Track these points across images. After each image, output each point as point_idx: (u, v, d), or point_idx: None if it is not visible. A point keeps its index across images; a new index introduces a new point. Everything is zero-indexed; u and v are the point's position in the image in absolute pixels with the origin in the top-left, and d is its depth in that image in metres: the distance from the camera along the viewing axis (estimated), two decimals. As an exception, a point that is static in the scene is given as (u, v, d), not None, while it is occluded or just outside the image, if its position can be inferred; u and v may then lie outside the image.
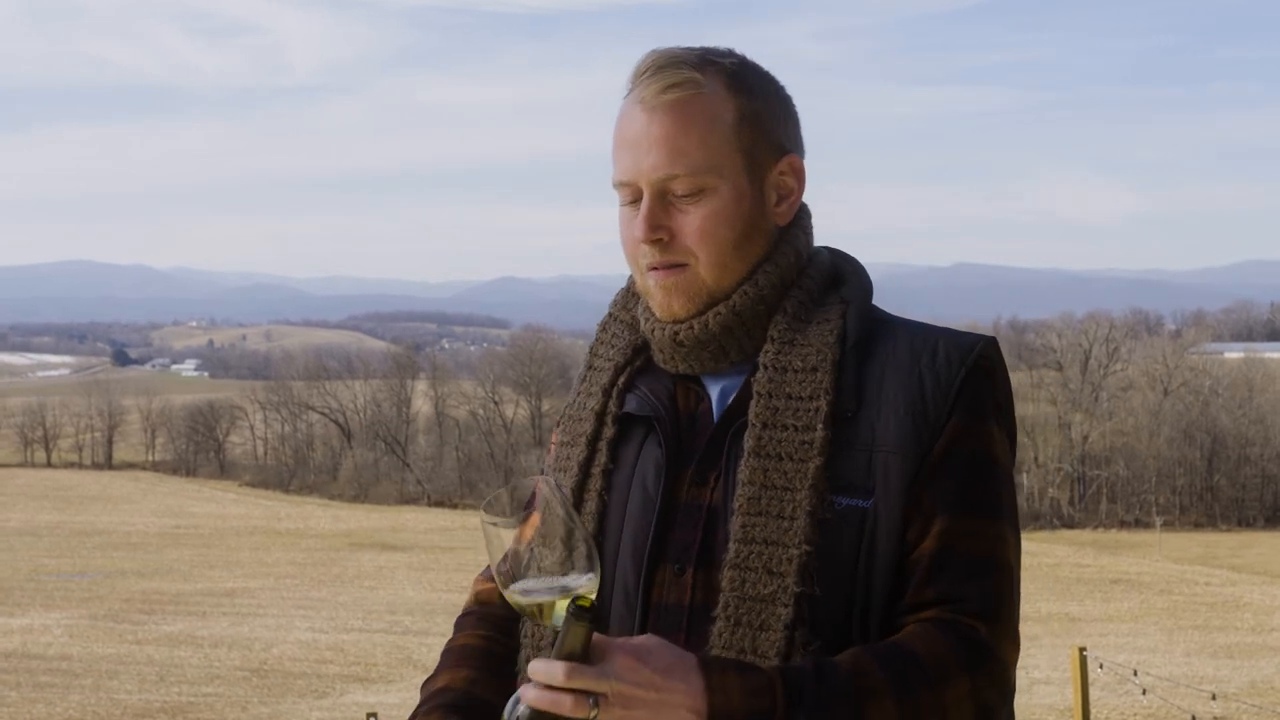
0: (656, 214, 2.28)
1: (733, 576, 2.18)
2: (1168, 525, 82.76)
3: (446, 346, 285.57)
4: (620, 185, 2.32)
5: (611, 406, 2.41)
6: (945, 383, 2.24)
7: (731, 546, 2.19)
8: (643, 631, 2.22)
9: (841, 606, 2.17)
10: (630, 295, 2.50)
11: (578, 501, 2.36)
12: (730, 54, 2.34)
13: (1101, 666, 16.86)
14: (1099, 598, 49.05)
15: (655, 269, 2.31)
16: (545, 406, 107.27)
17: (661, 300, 2.32)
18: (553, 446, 2.57)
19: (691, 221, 2.27)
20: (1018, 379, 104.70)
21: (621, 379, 2.43)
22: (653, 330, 2.37)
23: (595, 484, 2.36)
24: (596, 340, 2.54)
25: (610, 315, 2.54)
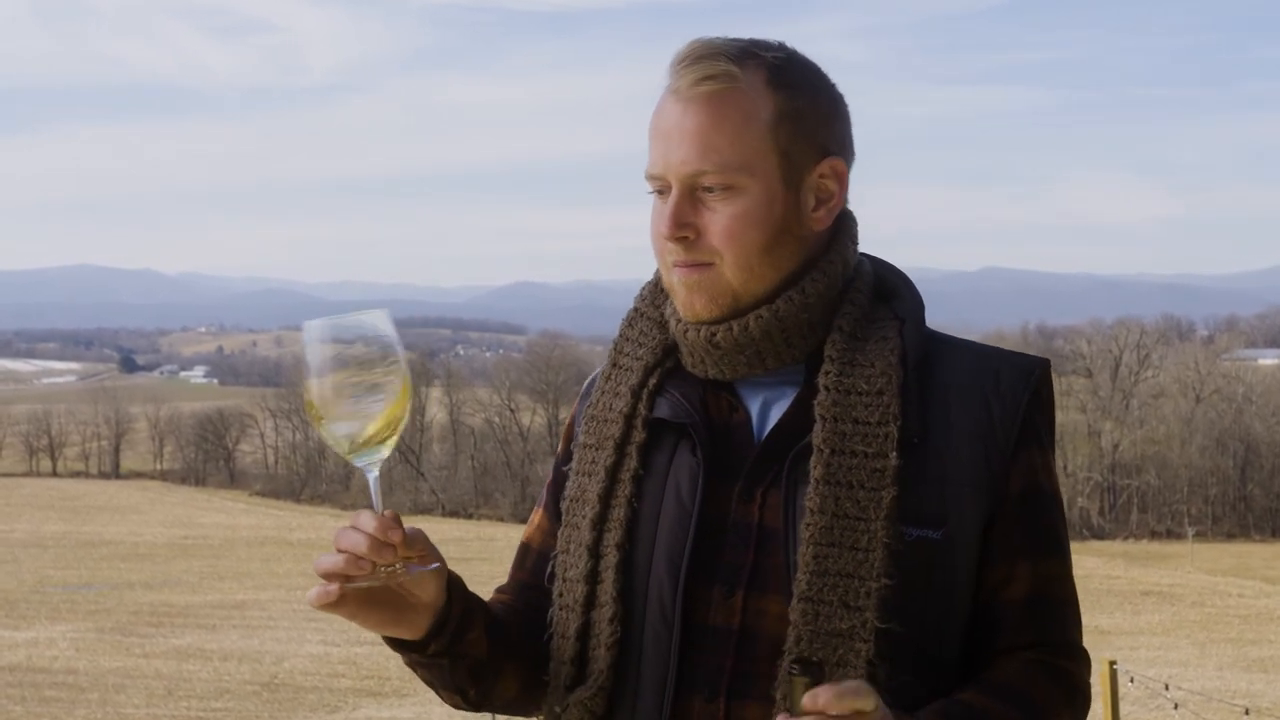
0: (683, 210, 2.23)
1: (805, 609, 2.14)
2: (1200, 536, 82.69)
3: (461, 353, 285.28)
4: (650, 177, 2.27)
5: (641, 410, 2.35)
6: (1011, 410, 2.26)
7: (803, 578, 2.15)
8: (684, 651, 2.21)
9: (916, 640, 2.17)
10: (659, 291, 2.44)
11: (605, 508, 2.32)
12: (777, 47, 2.28)
13: (1132, 680, 16.80)
14: (1129, 610, 49.01)
15: (680, 265, 2.26)
16: (562, 414, 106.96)
17: (684, 298, 2.28)
18: (564, 438, 2.55)
19: (719, 220, 2.22)
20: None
21: (652, 380, 2.37)
22: (685, 332, 2.32)
23: (624, 490, 2.31)
24: (621, 336, 2.47)
25: (636, 310, 2.47)
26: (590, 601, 2.30)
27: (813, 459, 2.19)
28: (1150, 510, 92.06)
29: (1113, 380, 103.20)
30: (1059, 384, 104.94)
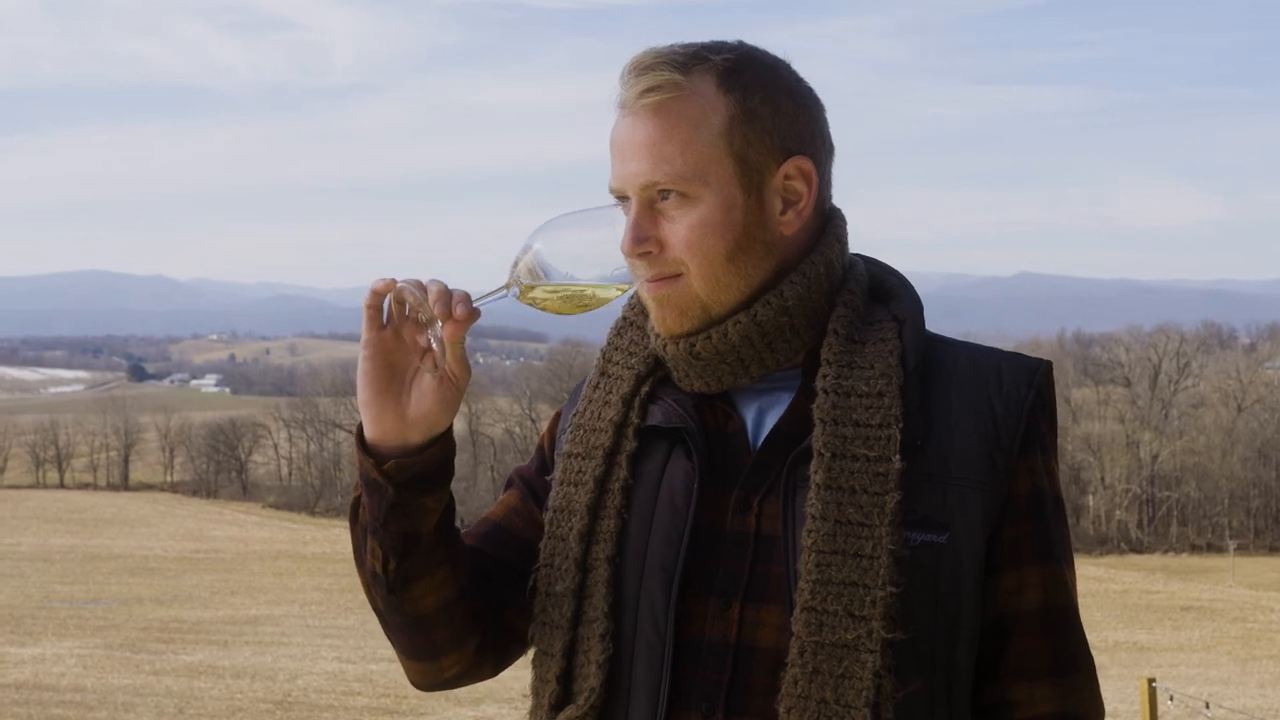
0: (642, 225, 2.23)
1: (809, 620, 2.12)
2: (1241, 549, 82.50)
3: (481, 361, 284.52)
4: (611, 192, 2.29)
5: (633, 418, 2.35)
6: (1014, 410, 2.25)
7: (805, 587, 2.14)
8: (675, 666, 2.20)
9: (924, 649, 2.16)
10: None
11: (593, 519, 2.30)
12: (730, 48, 2.27)
13: (1172, 699, 16.76)
14: (1169, 626, 48.93)
15: (649, 281, 2.26)
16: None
17: (656, 314, 2.29)
18: (543, 443, 2.54)
19: (678, 231, 2.22)
20: (1083, 395, 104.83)
21: (644, 389, 2.38)
22: (664, 346, 2.32)
23: (613, 501, 2.29)
24: (610, 345, 2.48)
25: (625, 319, 2.48)
26: (578, 618, 2.28)
27: (813, 463, 2.18)
28: (1190, 523, 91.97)
29: (1151, 389, 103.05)
30: (1096, 392, 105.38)
